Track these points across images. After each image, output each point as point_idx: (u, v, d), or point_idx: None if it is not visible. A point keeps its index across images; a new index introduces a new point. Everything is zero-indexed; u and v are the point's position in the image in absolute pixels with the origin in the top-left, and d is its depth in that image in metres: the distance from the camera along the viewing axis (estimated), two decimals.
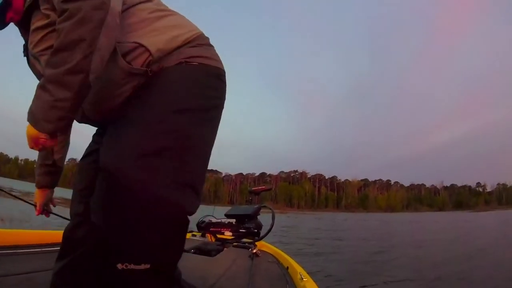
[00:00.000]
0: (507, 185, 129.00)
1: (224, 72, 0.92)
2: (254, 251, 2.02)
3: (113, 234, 0.74)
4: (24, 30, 0.86)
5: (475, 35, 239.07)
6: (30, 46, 0.83)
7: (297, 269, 1.56)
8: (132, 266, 0.73)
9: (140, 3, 0.84)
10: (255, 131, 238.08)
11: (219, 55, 0.93)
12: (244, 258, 1.92)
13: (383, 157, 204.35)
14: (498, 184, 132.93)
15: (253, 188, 2.41)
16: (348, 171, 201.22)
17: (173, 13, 0.90)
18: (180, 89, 0.80)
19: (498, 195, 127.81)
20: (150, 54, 0.78)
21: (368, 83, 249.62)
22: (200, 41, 0.89)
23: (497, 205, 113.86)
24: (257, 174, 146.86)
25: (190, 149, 0.78)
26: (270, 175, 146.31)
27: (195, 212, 0.80)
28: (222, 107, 0.92)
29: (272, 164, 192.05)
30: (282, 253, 2.11)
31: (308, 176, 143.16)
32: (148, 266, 0.74)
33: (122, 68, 0.76)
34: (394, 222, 27.17)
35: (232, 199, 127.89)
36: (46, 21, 0.78)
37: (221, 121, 0.92)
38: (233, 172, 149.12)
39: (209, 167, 0.94)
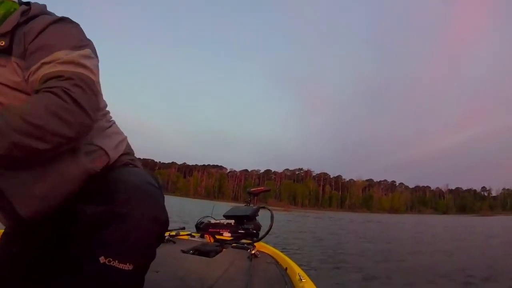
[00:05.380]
0: None
1: None
2: (253, 252, 2.02)
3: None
4: None
5: (487, 40, 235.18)
6: None
7: (296, 270, 1.56)
8: (115, 264, 0.65)
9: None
10: (261, 128, 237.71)
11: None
12: (242, 259, 1.92)
13: (388, 158, 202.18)
14: (504, 189, 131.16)
15: (251, 189, 2.42)
16: (353, 171, 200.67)
17: (113, 120, 0.94)
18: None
19: (503, 200, 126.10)
20: (109, 158, 0.82)
21: (375, 84, 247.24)
22: (130, 150, 0.95)
23: (501, 210, 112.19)
24: (262, 171, 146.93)
25: None
26: (275, 173, 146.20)
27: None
28: None
29: (277, 161, 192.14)
30: (281, 254, 2.11)
31: (313, 174, 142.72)
32: (131, 267, 0.66)
33: (85, 168, 0.75)
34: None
35: (236, 195, 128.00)
36: (17, 79, 0.73)
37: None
38: (238, 168, 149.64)
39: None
